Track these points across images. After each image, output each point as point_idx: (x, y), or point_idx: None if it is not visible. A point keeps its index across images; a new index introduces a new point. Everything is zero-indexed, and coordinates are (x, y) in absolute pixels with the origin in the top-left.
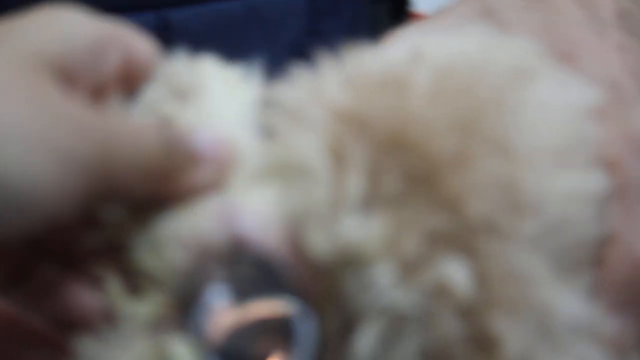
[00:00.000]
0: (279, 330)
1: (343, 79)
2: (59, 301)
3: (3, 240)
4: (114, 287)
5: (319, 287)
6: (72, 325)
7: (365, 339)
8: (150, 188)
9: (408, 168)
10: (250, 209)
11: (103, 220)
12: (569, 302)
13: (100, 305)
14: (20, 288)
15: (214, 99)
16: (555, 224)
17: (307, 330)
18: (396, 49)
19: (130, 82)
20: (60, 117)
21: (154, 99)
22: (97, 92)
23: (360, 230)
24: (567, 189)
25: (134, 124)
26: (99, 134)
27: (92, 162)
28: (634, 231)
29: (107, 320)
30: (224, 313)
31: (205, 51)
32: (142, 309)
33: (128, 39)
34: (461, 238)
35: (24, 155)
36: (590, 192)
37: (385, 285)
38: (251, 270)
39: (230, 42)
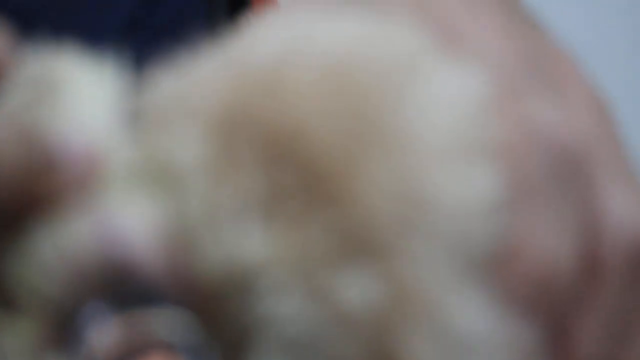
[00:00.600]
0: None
1: (227, 69)
2: None
3: None
4: None
5: (204, 305)
6: None
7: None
8: (9, 205)
9: (295, 170)
10: (126, 223)
11: None
12: (471, 314)
13: None
14: None
15: (80, 97)
16: (454, 228)
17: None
18: (270, 39)
19: None
20: None
21: (11, 106)
22: None
23: (247, 238)
24: (466, 190)
25: None
26: None
27: None
28: (533, 235)
29: None
30: (102, 338)
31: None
32: (18, 334)
33: None
34: (357, 245)
35: None
36: (488, 193)
37: (277, 303)
38: (132, 293)
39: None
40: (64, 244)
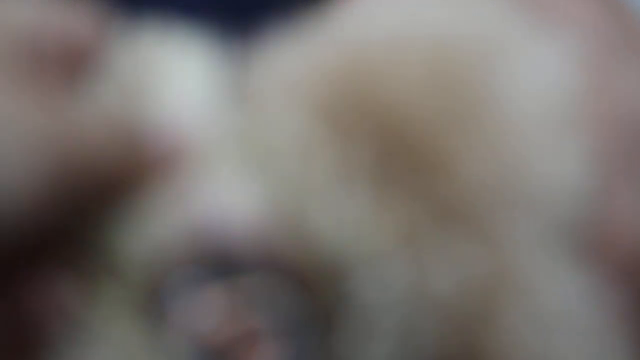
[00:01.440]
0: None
1: (327, 52)
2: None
3: None
4: (93, 281)
5: (307, 275)
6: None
7: (350, 329)
8: (112, 190)
9: (404, 152)
10: (225, 202)
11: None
12: (568, 292)
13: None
14: None
15: (175, 83)
16: (548, 211)
17: (294, 314)
18: (371, 19)
19: (72, 68)
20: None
21: (103, 94)
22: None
23: (352, 211)
24: (555, 171)
25: (87, 121)
26: (56, 142)
27: (52, 172)
28: (626, 205)
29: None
30: (197, 307)
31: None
32: (121, 300)
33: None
34: (459, 223)
35: None
36: (580, 166)
37: (389, 275)
38: (231, 265)
39: None
40: (165, 218)
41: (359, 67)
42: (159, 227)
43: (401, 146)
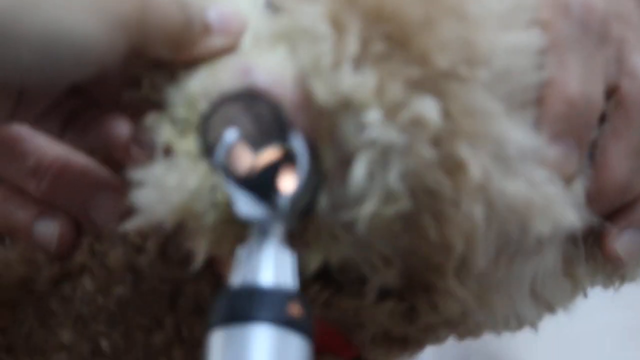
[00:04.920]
0: (286, 162)
1: None
2: (100, 134)
3: (61, 87)
4: (167, 126)
5: (320, 128)
6: (111, 155)
7: (359, 169)
8: (173, 51)
9: (388, 33)
10: (262, 66)
11: (139, 78)
12: (519, 133)
13: (132, 135)
14: (70, 130)
15: None
16: (503, 72)
17: (308, 161)
18: None
19: None
20: None
21: None
22: None
23: (354, 81)
24: (512, 44)
25: None
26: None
27: (131, 21)
28: (565, 75)
29: (152, 154)
30: (240, 150)
31: None
32: (185, 146)
33: None
34: (431, 84)
35: (77, 14)
36: (529, 46)
37: (373, 124)
38: (263, 114)
39: None
40: (214, 82)
41: None
42: (214, 75)
43: (387, 35)
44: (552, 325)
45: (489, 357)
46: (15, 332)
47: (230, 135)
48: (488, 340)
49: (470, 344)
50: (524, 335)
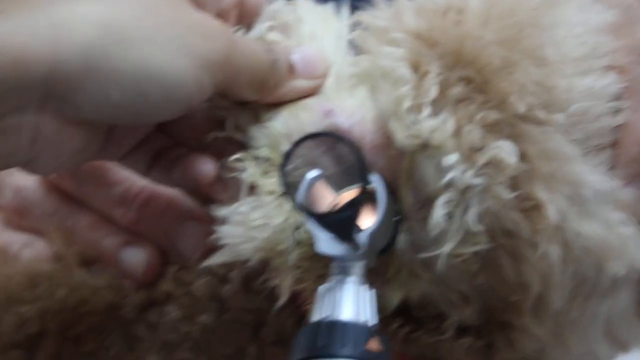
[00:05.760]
0: (366, 202)
1: (416, 7)
2: (185, 171)
3: (148, 126)
4: (252, 166)
5: (399, 170)
6: (196, 193)
7: (438, 210)
8: (258, 92)
9: (467, 76)
10: (344, 107)
11: (225, 118)
12: (594, 176)
13: (218, 174)
14: (156, 168)
15: (310, 28)
16: (580, 115)
17: (386, 200)
18: None
19: (242, 19)
20: (194, 25)
21: (261, 30)
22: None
23: (433, 124)
24: (588, 88)
25: (249, 40)
26: (226, 40)
27: (219, 62)
28: None
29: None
30: (322, 189)
31: None
32: (269, 186)
33: None
34: (509, 127)
35: (167, 53)
36: (605, 90)
37: (452, 166)
38: (344, 155)
39: None
40: (297, 123)
41: (437, 17)
42: (298, 116)
43: (466, 78)
44: None
45: None
46: (102, 357)
47: (312, 174)
48: None
49: None
50: None
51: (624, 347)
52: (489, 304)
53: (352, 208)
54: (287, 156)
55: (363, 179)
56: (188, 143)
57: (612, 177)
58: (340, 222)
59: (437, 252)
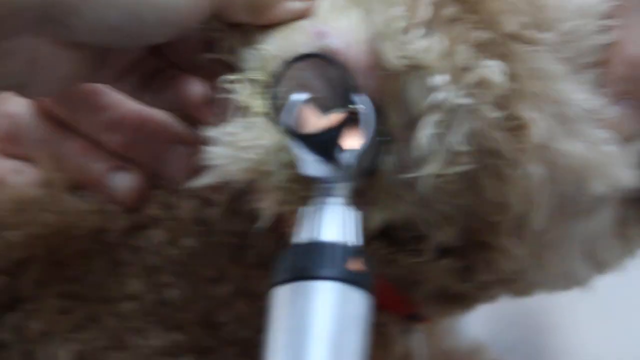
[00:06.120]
0: (352, 123)
1: None
2: (175, 92)
3: (144, 47)
4: (243, 87)
5: (387, 90)
6: (188, 114)
7: (425, 130)
8: (252, 14)
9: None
10: (338, 29)
11: (217, 41)
12: (581, 94)
13: (207, 95)
14: (146, 90)
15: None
16: (569, 34)
17: (373, 121)
18: None
19: None
20: None
21: None
22: None
23: (423, 45)
24: (578, 6)
25: None
26: None
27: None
28: (629, 37)
29: (226, 112)
30: (308, 111)
31: None
32: (260, 107)
33: None
34: (499, 47)
35: None
36: (595, 9)
37: (441, 86)
38: (334, 78)
39: None
40: (289, 44)
41: None
42: (290, 37)
43: (467, 2)
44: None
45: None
46: (86, 281)
47: (298, 97)
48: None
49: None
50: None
51: (600, 268)
52: (469, 225)
53: (338, 129)
54: (277, 77)
55: (350, 100)
56: (181, 66)
57: (599, 96)
58: (324, 143)
59: (422, 172)
